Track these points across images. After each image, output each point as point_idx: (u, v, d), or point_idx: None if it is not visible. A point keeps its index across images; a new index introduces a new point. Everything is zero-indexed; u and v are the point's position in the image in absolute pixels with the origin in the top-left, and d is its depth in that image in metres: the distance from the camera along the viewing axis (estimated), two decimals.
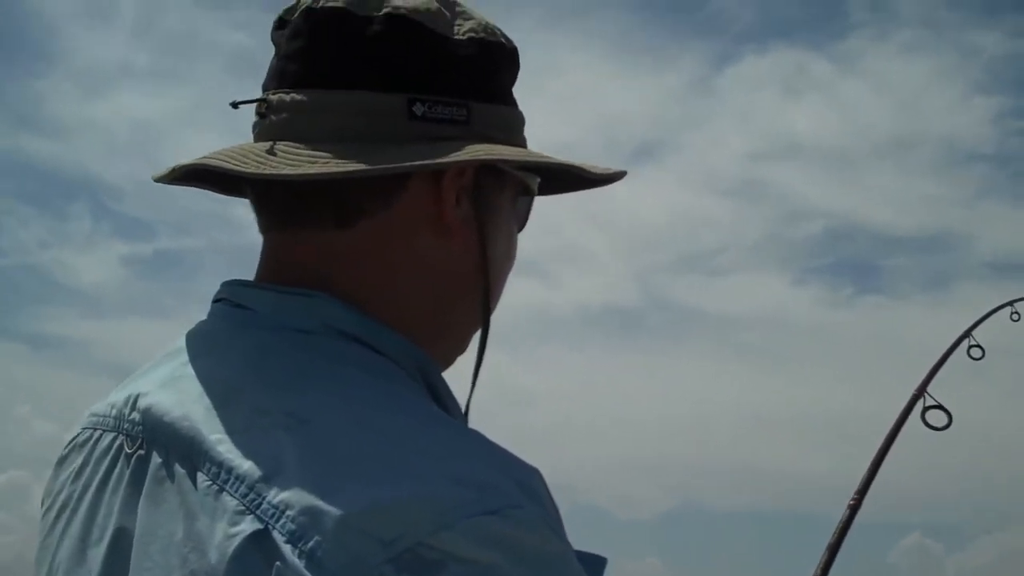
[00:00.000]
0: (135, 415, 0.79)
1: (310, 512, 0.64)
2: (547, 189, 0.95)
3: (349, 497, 0.64)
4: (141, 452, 0.77)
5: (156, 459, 0.75)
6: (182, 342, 0.83)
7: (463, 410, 0.86)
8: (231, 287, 0.85)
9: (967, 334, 2.08)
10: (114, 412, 0.82)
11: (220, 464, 0.69)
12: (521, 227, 0.92)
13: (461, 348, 0.90)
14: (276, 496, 0.65)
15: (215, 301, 0.85)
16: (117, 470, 0.79)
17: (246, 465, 0.68)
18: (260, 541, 0.65)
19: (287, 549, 0.63)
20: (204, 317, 0.86)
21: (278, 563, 0.63)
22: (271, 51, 0.88)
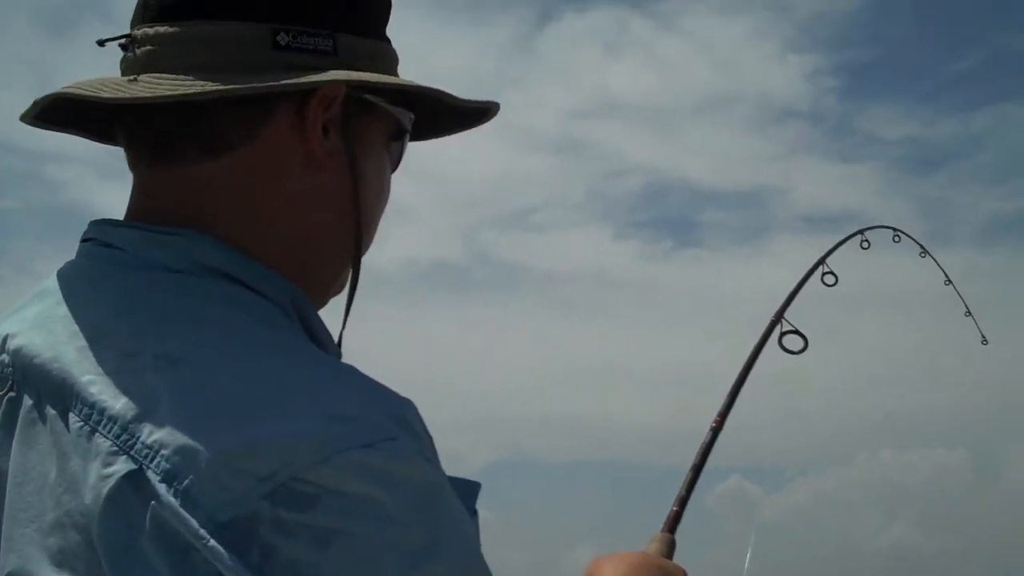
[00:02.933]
0: (4, 356, 0.78)
1: (184, 451, 0.64)
2: (421, 134, 0.94)
3: (223, 435, 0.64)
4: (12, 394, 0.76)
5: (27, 401, 0.74)
6: (51, 283, 0.82)
7: (337, 343, 0.86)
8: (99, 226, 0.83)
9: (821, 261, 2.16)
10: None
11: (92, 405, 0.69)
12: (395, 167, 0.92)
13: (334, 286, 0.90)
14: (149, 436, 0.65)
15: (83, 240, 0.84)
16: None
17: (118, 406, 0.68)
18: (135, 481, 0.65)
19: (162, 488, 0.63)
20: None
21: (154, 502, 0.63)
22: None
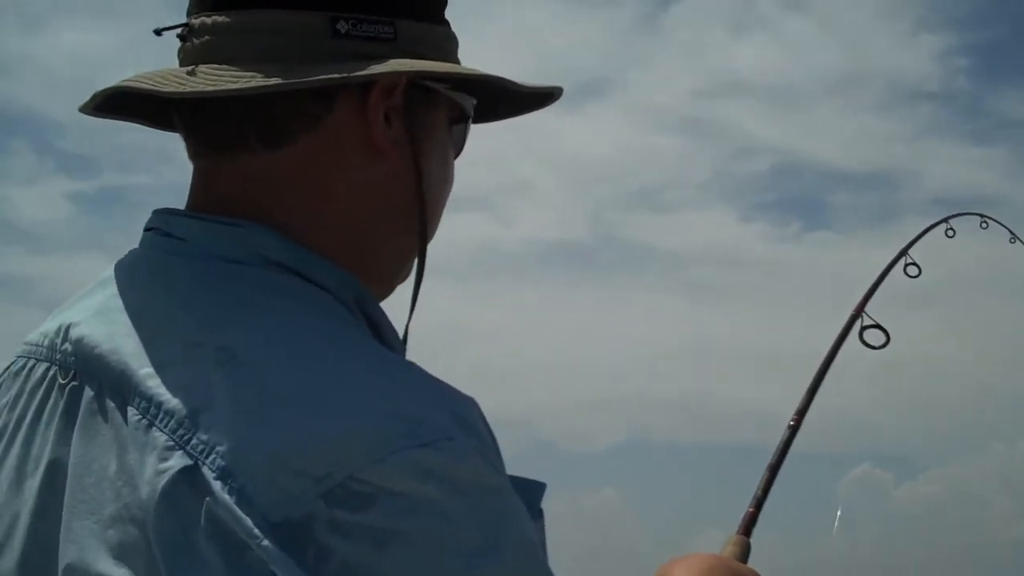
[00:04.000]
0: (67, 346, 0.77)
1: (239, 448, 0.63)
2: (484, 116, 0.93)
3: (279, 433, 0.63)
4: (74, 383, 0.75)
5: (88, 392, 0.74)
6: (112, 271, 0.81)
7: (402, 338, 0.84)
8: (161, 216, 0.82)
9: (904, 252, 2.08)
10: (46, 342, 0.80)
11: (150, 399, 0.68)
12: (458, 153, 0.90)
13: (399, 277, 0.88)
14: (206, 432, 0.65)
15: (147, 230, 0.83)
16: (51, 401, 0.77)
17: (175, 400, 0.67)
18: (190, 477, 0.64)
19: (217, 486, 0.63)
20: None
21: (208, 499, 0.63)
22: None
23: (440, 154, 0.86)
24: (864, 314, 1.81)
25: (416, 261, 0.87)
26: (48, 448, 0.76)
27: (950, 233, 2.30)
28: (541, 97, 0.91)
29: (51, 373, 0.78)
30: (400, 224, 0.84)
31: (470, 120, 0.90)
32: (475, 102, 0.89)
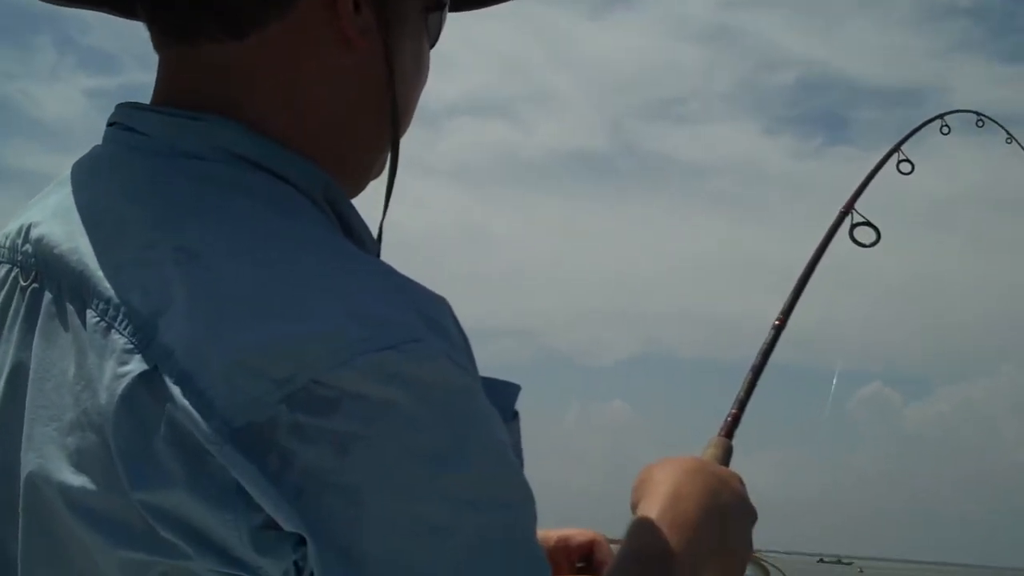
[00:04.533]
0: (27, 246, 0.75)
1: (199, 352, 0.62)
2: (462, 4, 0.89)
3: (239, 336, 0.62)
4: (35, 285, 0.73)
5: (48, 294, 0.72)
6: (74, 169, 0.79)
7: (376, 237, 0.82)
8: (124, 109, 0.79)
9: (897, 148, 2.04)
10: (8, 243, 0.78)
11: (108, 300, 0.66)
12: (433, 43, 0.86)
13: (371, 173, 0.85)
14: (165, 335, 0.63)
15: (109, 124, 0.80)
16: (14, 304, 0.75)
17: (135, 301, 0.65)
18: (149, 381, 0.63)
19: (176, 390, 0.61)
20: None
21: (168, 404, 0.62)
22: None
23: (413, 44, 0.83)
24: (854, 211, 1.78)
25: (389, 156, 0.83)
26: (11, 352, 0.74)
27: (945, 130, 2.27)
28: None
29: (12, 275, 0.76)
30: (372, 117, 0.81)
31: (446, 8, 0.86)
32: None
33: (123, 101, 0.80)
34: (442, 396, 0.63)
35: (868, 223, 1.76)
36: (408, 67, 0.82)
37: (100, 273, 0.68)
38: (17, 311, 0.74)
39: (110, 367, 0.64)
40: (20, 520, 0.69)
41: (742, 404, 1.27)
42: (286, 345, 0.61)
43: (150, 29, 0.80)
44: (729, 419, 1.22)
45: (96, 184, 0.76)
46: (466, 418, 0.64)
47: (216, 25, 0.75)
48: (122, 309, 0.65)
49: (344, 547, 0.60)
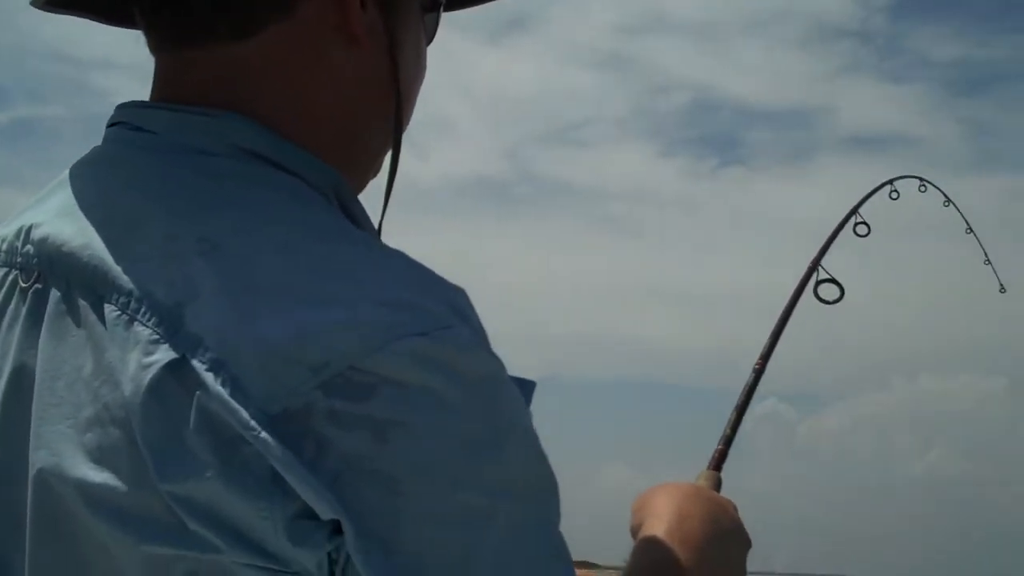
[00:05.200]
0: (29, 247, 0.73)
1: (232, 339, 0.61)
2: (455, 4, 0.92)
3: (273, 323, 0.61)
4: (38, 286, 0.71)
5: (55, 292, 0.70)
6: (75, 169, 0.77)
7: (377, 231, 0.82)
8: (128, 108, 0.78)
9: (854, 211, 2.12)
10: (5, 246, 0.76)
11: (129, 293, 0.65)
12: (429, 40, 0.88)
13: (372, 170, 0.86)
14: (193, 324, 0.62)
15: (110, 125, 0.79)
16: (12, 306, 0.73)
17: (159, 293, 0.64)
18: (178, 371, 0.61)
19: (209, 378, 0.60)
20: None
21: (199, 392, 0.60)
22: None
23: (413, 42, 0.84)
24: (820, 267, 1.83)
25: (390, 154, 0.84)
26: (11, 355, 0.71)
27: (894, 195, 2.37)
28: None
29: (11, 278, 0.74)
30: (376, 114, 0.82)
31: (441, 7, 0.88)
32: None
33: (125, 101, 0.79)
34: (477, 383, 0.63)
35: (834, 280, 1.81)
36: (410, 64, 0.83)
37: (118, 267, 0.66)
38: (17, 313, 0.72)
39: (134, 358, 0.62)
40: (29, 527, 0.67)
41: (728, 440, 1.31)
42: (320, 332, 0.60)
43: (148, 34, 0.79)
44: (716, 454, 1.26)
45: (103, 182, 0.74)
46: (501, 406, 0.64)
47: (221, 26, 0.75)
48: (145, 301, 0.64)
49: (382, 534, 0.59)
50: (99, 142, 0.79)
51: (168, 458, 0.61)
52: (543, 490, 0.65)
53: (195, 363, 0.61)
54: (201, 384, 0.60)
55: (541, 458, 0.65)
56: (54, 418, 0.66)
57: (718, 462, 1.27)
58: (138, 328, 0.63)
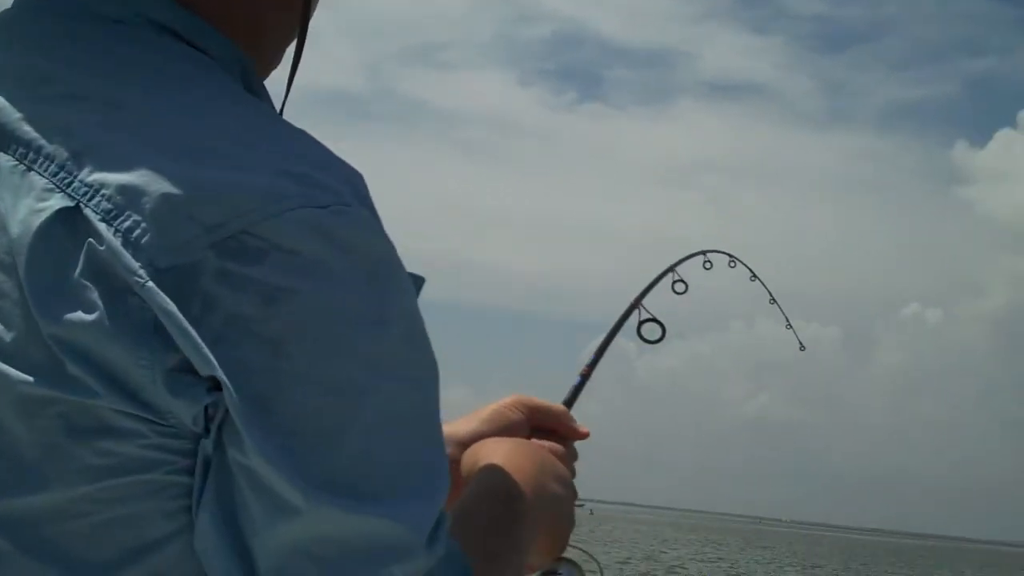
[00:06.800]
0: None
1: (128, 191, 0.61)
2: None
3: (171, 178, 0.61)
4: None
5: None
6: None
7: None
8: None
9: (671, 269, 2.12)
10: None
11: (28, 144, 0.65)
12: None
13: (277, 58, 0.86)
14: (90, 175, 0.62)
15: None
16: None
17: (55, 144, 0.64)
18: (70, 219, 0.62)
19: (102, 227, 0.61)
20: None
21: (91, 240, 0.61)
22: None
23: None
24: (641, 306, 1.76)
25: (295, 41, 0.84)
26: None
27: (707, 265, 2.38)
28: None
29: None
30: (283, 2, 0.81)
31: None
32: None
33: None
34: (369, 262, 0.64)
35: (655, 319, 1.76)
36: None
37: (17, 120, 0.66)
38: None
39: (26, 204, 0.63)
40: None
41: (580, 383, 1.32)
42: (219, 192, 0.61)
43: None
44: (570, 393, 1.27)
45: (10, 44, 0.73)
46: (391, 286, 0.65)
47: None
48: (43, 151, 0.64)
49: (259, 395, 0.60)
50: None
51: (52, 301, 0.60)
52: (424, 374, 0.66)
53: (88, 212, 0.61)
54: (94, 232, 0.60)
55: (425, 343, 0.67)
56: None
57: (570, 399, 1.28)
58: (33, 177, 0.63)
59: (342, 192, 0.64)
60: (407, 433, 0.64)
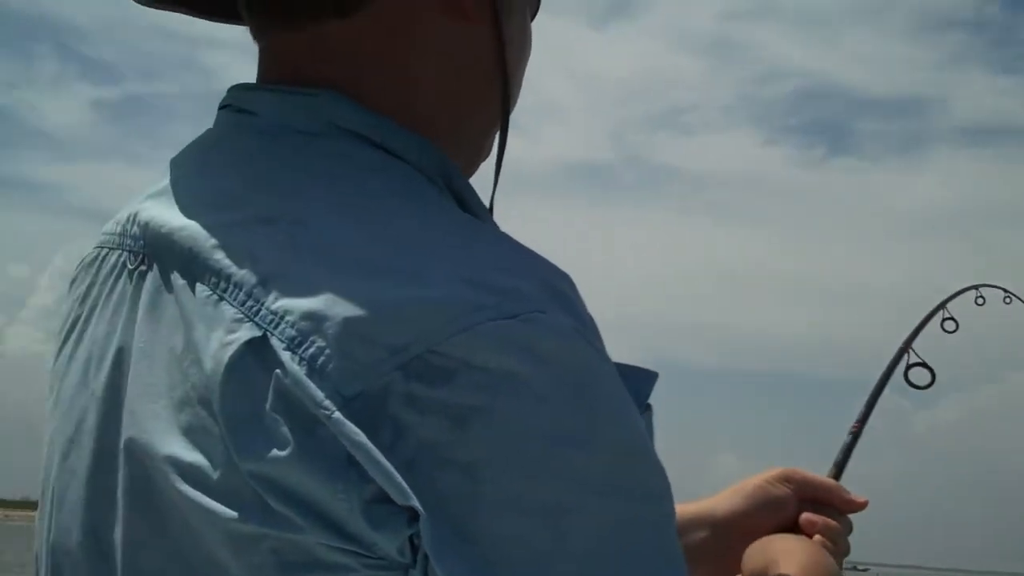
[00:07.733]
0: (136, 229, 0.74)
1: (311, 317, 0.59)
2: None
3: (353, 300, 0.59)
4: (143, 267, 0.72)
5: (156, 274, 0.70)
6: (182, 154, 0.78)
7: (488, 210, 0.80)
8: (235, 91, 0.79)
9: (941, 306, 2.07)
10: (119, 228, 0.77)
11: (219, 273, 0.64)
12: (533, 15, 0.86)
13: (482, 153, 0.83)
14: (275, 301, 0.61)
15: (221, 108, 0.79)
16: (120, 288, 0.74)
17: (243, 271, 0.63)
18: (258, 348, 0.60)
19: (286, 356, 0.58)
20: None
21: (277, 371, 0.59)
22: None
23: (519, 18, 0.82)
24: (911, 350, 1.75)
25: (498, 134, 0.82)
26: (116, 337, 0.72)
27: (980, 301, 2.29)
28: None
29: (121, 260, 0.75)
30: (483, 93, 0.80)
31: None
32: None
33: (237, 83, 0.79)
34: (570, 371, 0.59)
35: (924, 364, 1.74)
36: (516, 40, 0.81)
37: (211, 248, 0.66)
38: (124, 295, 0.73)
39: (217, 337, 0.62)
40: (120, 504, 0.67)
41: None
42: (401, 312, 0.58)
43: (248, 19, 0.79)
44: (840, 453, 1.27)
45: (206, 166, 0.75)
46: (597, 397, 0.60)
47: (320, 7, 0.74)
48: (233, 279, 0.63)
49: (459, 524, 0.56)
50: (209, 120, 0.80)
51: (246, 437, 0.59)
52: (648, 491, 0.61)
53: (274, 341, 0.59)
54: (279, 362, 0.59)
55: (647, 456, 0.61)
56: (149, 396, 0.66)
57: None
58: (224, 307, 0.62)
59: (537, 298, 0.60)
60: (628, 555, 0.58)
